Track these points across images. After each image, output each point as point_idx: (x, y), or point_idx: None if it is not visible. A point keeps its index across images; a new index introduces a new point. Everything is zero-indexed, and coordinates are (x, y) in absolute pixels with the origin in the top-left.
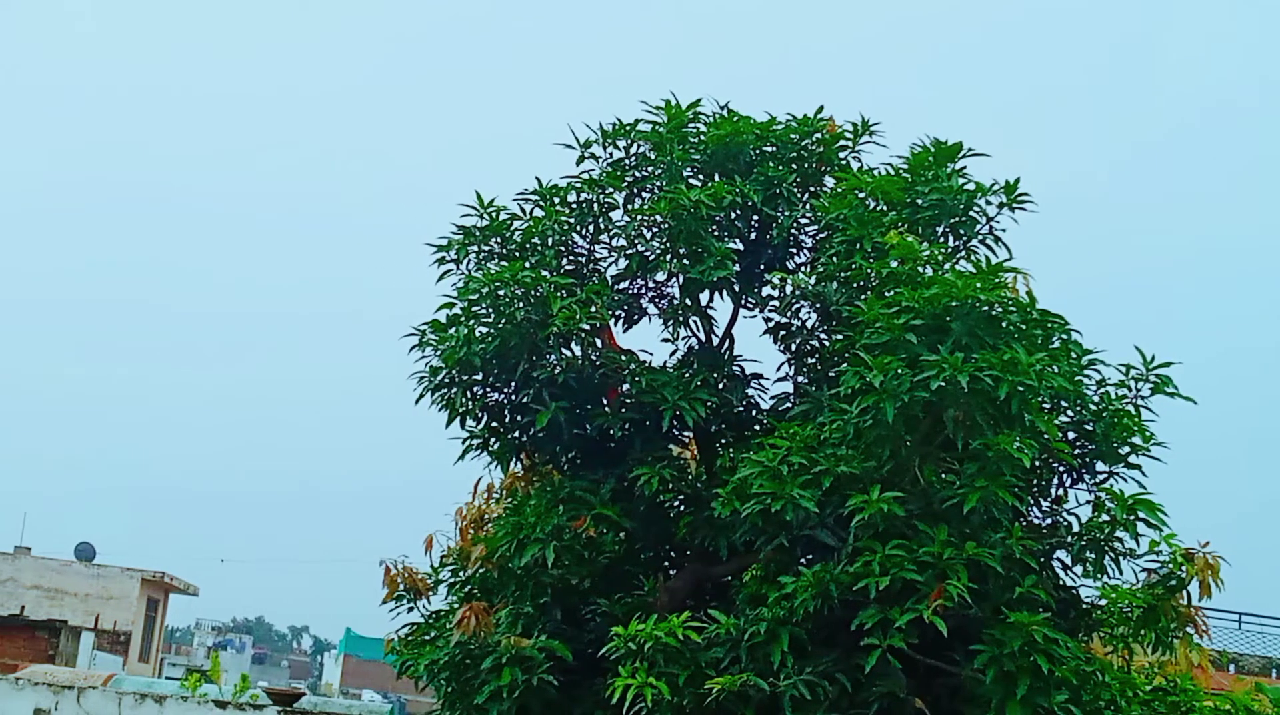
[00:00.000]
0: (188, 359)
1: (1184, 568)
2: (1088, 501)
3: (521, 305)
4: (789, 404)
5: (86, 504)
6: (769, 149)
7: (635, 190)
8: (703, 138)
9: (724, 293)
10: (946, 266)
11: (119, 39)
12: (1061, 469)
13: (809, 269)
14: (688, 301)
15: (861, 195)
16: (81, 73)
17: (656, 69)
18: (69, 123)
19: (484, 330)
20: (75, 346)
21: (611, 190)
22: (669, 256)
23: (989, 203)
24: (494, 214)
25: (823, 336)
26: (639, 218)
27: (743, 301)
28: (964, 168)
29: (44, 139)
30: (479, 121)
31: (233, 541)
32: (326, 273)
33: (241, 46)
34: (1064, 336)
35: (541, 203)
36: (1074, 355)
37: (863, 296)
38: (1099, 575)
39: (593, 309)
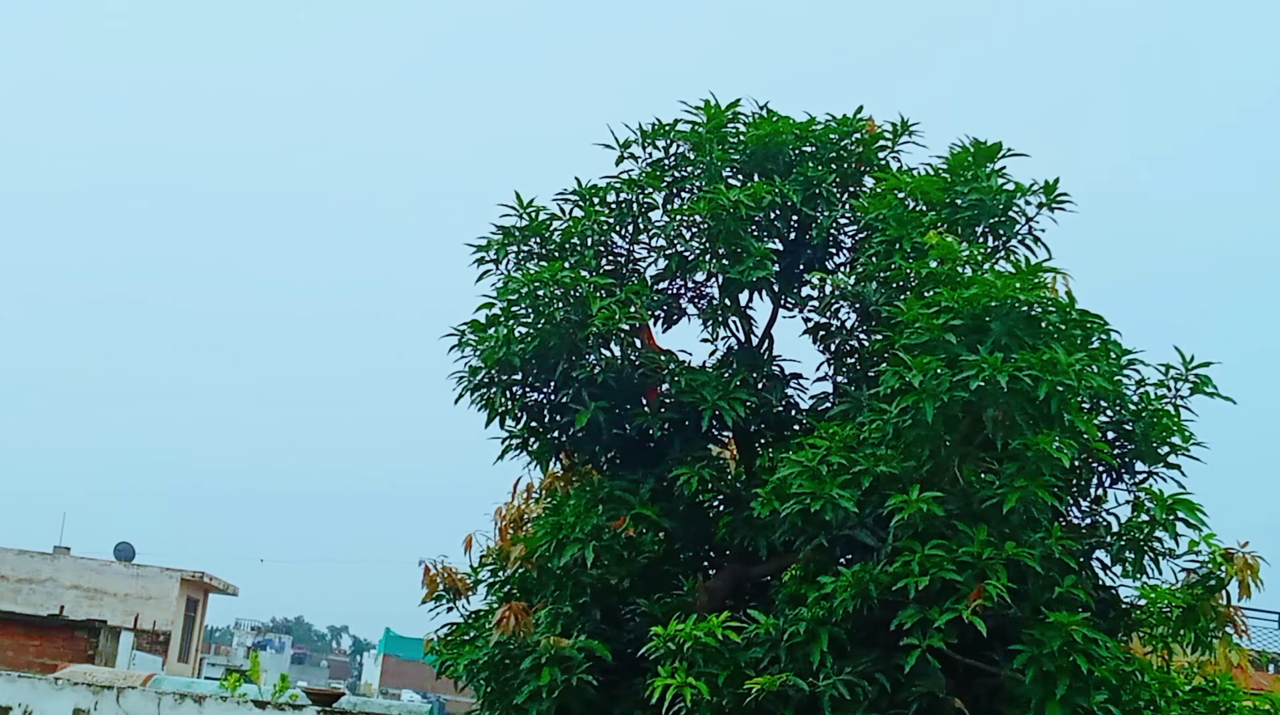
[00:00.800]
0: (226, 359)
1: (1223, 567)
2: (1127, 501)
3: (561, 305)
4: (828, 404)
5: (126, 504)
6: (808, 149)
7: (674, 190)
8: (742, 138)
9: (763, 293)
10: (986, 266)
11: (153, 39)
12: (1101, 469)
13: (848, 269)
14: (727, 301)
15: (901, 195)
16: (117, 73)
17: (695, 69)
18: (105, 123)
19: (523, 330)
20: (113, 347)
21: (651, 190)
22: (708, 256)
23: (1028, 202)
24: (533, 214)
25: (862, 336)
26: (678, 218)
27: (782, 301)
28: (1003, 167)
29: (81, 139)
30: (517, 121)
31: (272, 541)
32: (364, 273)
33: (274, 46)
34: (1103, 336)
35: (581, 203)
36: (1113, 355)
37: (902, 296)
38: (1138, 575)
39: (632, 309)
